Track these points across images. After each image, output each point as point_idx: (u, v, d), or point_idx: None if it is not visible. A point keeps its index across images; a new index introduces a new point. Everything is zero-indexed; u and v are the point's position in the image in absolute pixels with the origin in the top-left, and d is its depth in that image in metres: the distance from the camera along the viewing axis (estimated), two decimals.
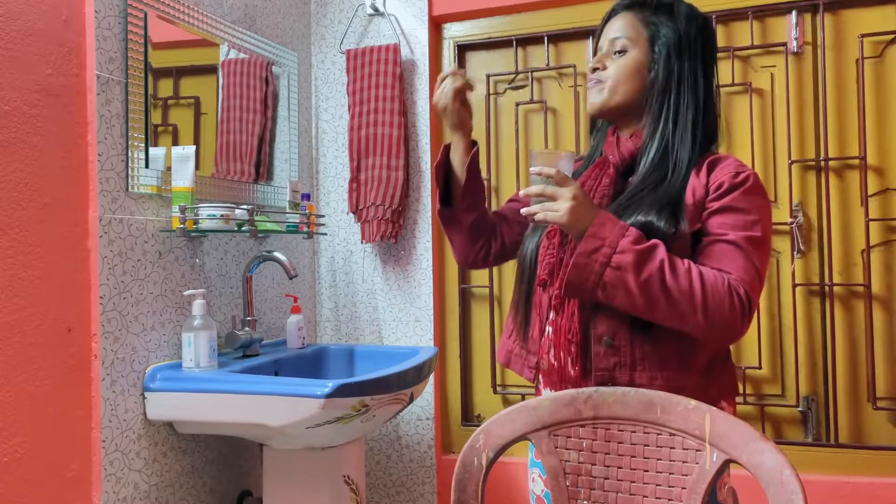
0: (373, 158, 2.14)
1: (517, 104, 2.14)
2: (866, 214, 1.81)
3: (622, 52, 1.14)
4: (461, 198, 1.26)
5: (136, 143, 1.56)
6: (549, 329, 1.14)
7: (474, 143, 1.26)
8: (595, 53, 1.19)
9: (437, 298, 2.18)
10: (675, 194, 1.07)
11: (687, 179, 1.09)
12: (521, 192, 1.05)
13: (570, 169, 1.07)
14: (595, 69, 1.16)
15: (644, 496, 0.95)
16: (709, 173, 1.08)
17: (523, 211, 1.06)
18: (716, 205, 1.05)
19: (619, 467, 0.98)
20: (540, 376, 1.19)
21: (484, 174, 2.17)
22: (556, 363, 1.12)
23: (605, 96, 1.14)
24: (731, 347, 1.90)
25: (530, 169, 1.05)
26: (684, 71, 1.11)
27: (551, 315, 1.13)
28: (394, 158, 2.12)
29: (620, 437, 0.98)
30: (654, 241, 1.01)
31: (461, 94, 1.21)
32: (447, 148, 1.27)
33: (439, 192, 1.28)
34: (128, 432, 1.53)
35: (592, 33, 2.06)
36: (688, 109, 1.11)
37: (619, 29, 1.15)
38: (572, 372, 1.10)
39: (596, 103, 1.16)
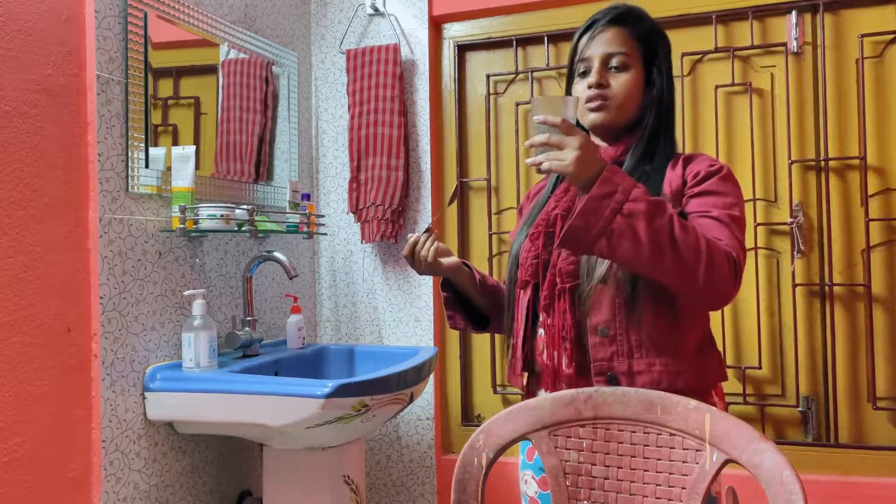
0: (373, 158, 2.14)
1: (517, 104, 2.14)
2: (866, 214, 1.81)
3: (621, 68, 1.15)
4: (490, 312, 1.32)
5: (136, 143, 1.56)
6: (540, 331, 1.16)
7: (463, 263, 1.30)
8: (573, 62, 1.19)
9: (437, 298, 2.18)
10: (656, 188, 1.12)
11: (664, 175, 1.14)
12: (527, 143, 1.01)
13: (575, 116, 1.04)
14: (600, 85, 1.15)
15: (644, 496, 0.95)
16: (684, 167, 1.14)
17: (528, 161, 1.02)
18: (696, 189, 1.10)
19: (619, 467, 0.98)
20: (529, 380, 1.22)
21: (483, 174, 2.18)
22: (549, 363, 1.13)
23: (613, 115, 1.16)
24: (731, 347, 1.90)
25: (534, 118, 1.00)
26: (672, 84, 1.19)
27: (540, 317, 1.15)
28: (394, 158, 2.12)
29: (620, 437, 0.98)
30: (660, 198, 1.04)
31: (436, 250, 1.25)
32: (447, 285, 1.31)
33: (468, 323, 1.32)
34: (128, 432, 1.53)
35: None
36: (674, 118, 1.20)
37: (614, 44, 1.15)
38: (567, 370, 1.11)
39: (603, 122, 1.16)
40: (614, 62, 1.15)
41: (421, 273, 1.26)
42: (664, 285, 1.03)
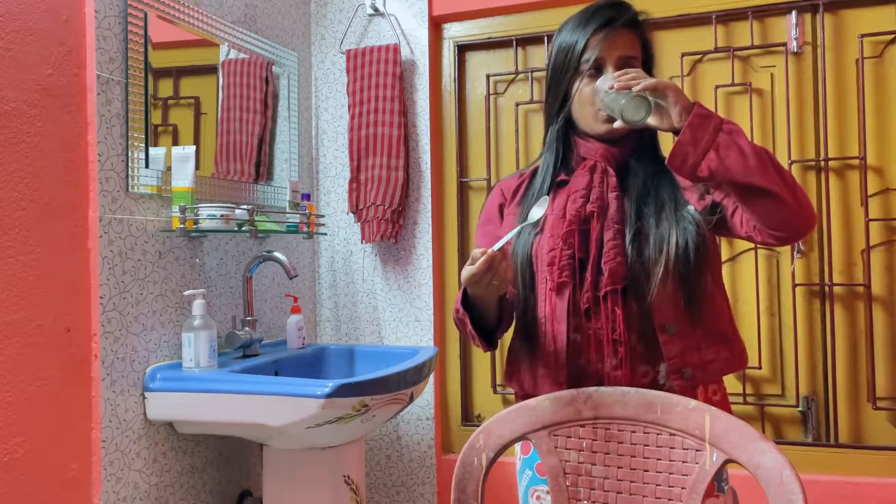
0: (373, 158, 2.14)
1: (517, 104, 2.14)
2: (866, 214, 1.81)
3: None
4: (497, 326, 1.21)
5: (136, 143, 1.56)
6: (574, 336, 1.13)
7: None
8: (577, 58, 1.16)
9: (437, 298, 2.18)
10: (673, 186, 1.16)
11: (672, 175, 1.17)
12: (637, 88, 1.02)
13: None
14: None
15: (644, 496, 0.95)
16: None
17: (635, 88, 1.01)
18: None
19: (619, 467, 0.98)
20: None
21: (483, 174, 2.18)
22: (591, 368, 1.12)
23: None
24: None
25: (608, 85, 1.05)
26: None
27: (571, 321, 1.12)
28: (394, 158, 2.12)
29: (620, 437, 0.98)
30: None
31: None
32: (466, 298, 1.16)
33: (480, 339, 1.20)
34: (128, 432, 1.53)
35: None
36: None
37: (629, 47, 1.15)
38: (618, 374, 1.10)
39: (621, 129, 1.13)
40: (632, 64, 1.14)
41: (485, 291, 1.09)
42: (757, 212, 1.05)
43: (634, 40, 1.16)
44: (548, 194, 1.19)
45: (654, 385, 1.11)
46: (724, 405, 1.17)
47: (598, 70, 1.15)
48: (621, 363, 1.10)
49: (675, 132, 1.02)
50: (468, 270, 1.03)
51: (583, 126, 1.19)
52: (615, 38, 1.14)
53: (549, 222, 1.17)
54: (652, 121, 1.03)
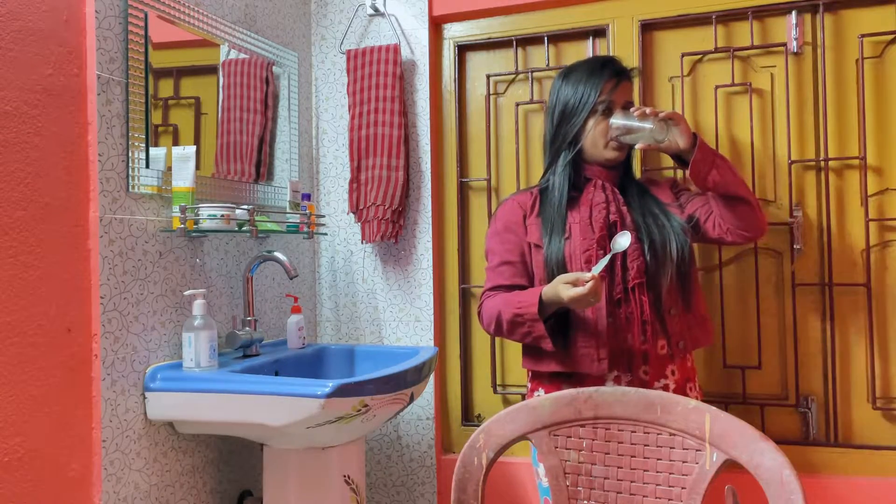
0: (373, 158, 2.14)
1: (517, 104, 2.14)
2: (866, 214, 1.81)
3: None
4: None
5: (136, 144, 1.57)
6: (609, 320, 1.45)
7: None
8: (592, 100, 1.52)
9: (437, 298, 2.18)
10: (654, 198, 1.61)
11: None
12: (662, 115, 1.44)
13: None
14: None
15: (644, 496, 0.95)
16: (658, 186, 1.66)
17: (661, 115, 1.43)
18: (682, 191, 1.65)
19: (619, 467, 0.98)
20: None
21: (484, 174, 2.18)
22: (625, 344, 1.46)
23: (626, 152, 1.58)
24: (731, 346, 1.90)
25: (635, 112, 1.45)
26: None
27: (606, 308, 1.45)
28: (394, 158, 2.12)
29: (620, 436, 0.98)
30: None
31: None
32: (541, 305, 1.43)
33: (546, 340, 1.45)
34: (128, 432, 1.53)
35: (593, 33, 2.07)
36: None
37: (629, 94, 1.57)
38: (646, 347, 1.46)
39: (622, 157, 1.56)
40: (629, 107, 1.51)
41: (583, 308, 1.41)
42: (736, 215, 1.46)
43: (632, 89, 1.60)
44: (564, 208, 1.53)
45: (665, 354, 1.48)
46: (693, 369, 1.57)
47: (609, 111, 1.52)
48: (646, 339, 1.45)
49: (679, 153, 1.46)
50: (576, 292, 1.31)
51: (593, 153, 1.55)
52: (623, 87, 1.54)
53: (577, 230, 1.49)
54: (665, 142, 1.43)
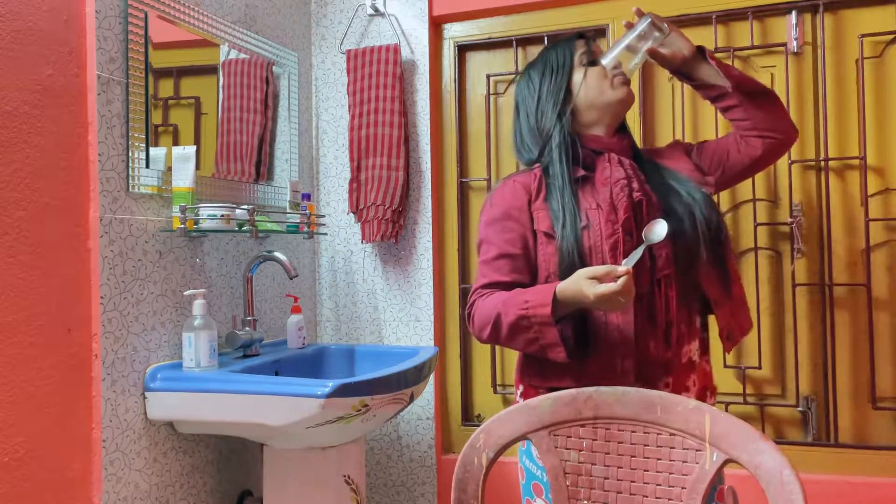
0: (373, 158, 2.14)
1: None
2: (866, 214, 1.81)
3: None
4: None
5: (136, 144, 1.57)
6: (631, 322, 1.19)
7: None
8: (573, 56, 1.34)
9: (437, 298, 2.18)
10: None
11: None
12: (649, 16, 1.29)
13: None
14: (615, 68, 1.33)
15: (644, 496, 0.95)
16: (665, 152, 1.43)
17: (651, 21, 1.28)
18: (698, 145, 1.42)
19: (619, 467, 0.98)
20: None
21: (484, 174, 2.18)
22: (646, 354, 1.21)
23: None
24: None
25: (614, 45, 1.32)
26: None
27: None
28: (394, 158, 2.12)
29: (620, 436, 0.98)
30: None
31: None
32: (554, 304, 1.16)
33: (559, 348, 1.17)
34: (128, 432, 1.53)
35: (593, 33, 2.07)
36: None
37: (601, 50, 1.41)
38: (680, 355, 1.24)
39: (631, 97, 1.34)
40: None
41: (612, 308, 1.13)
42: (763, 110, 1.31)
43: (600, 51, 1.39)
44: (572, 189, 1.26)
45: (688, 362, 1.25)
46: (711, 375, 1.33)
47: (592, 63, 1.32)
48: (670, 345, 1.22)
49: (684, 64, 1.32)
50: (606, 289, 1.07)
51: (597, 102, 1.30)
52: (595, 45, 1.37)
53: (596, 216, 1.22)
54: (669, 52, 1.30)
